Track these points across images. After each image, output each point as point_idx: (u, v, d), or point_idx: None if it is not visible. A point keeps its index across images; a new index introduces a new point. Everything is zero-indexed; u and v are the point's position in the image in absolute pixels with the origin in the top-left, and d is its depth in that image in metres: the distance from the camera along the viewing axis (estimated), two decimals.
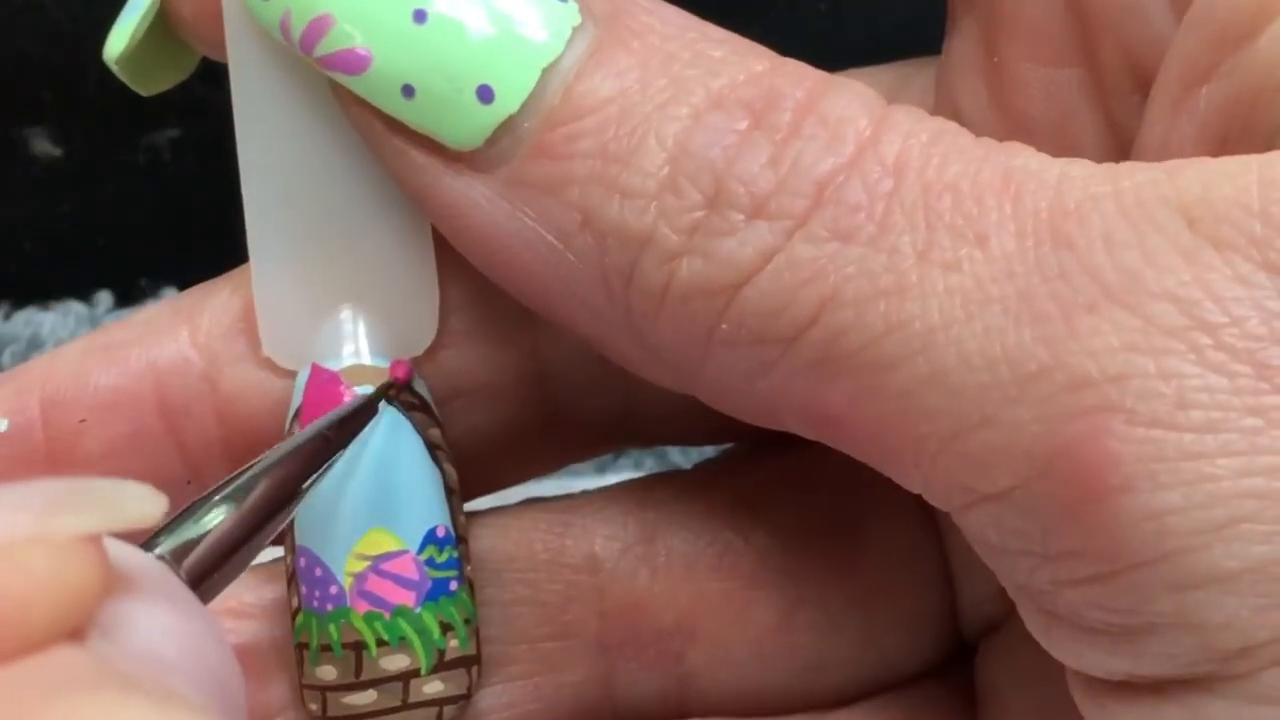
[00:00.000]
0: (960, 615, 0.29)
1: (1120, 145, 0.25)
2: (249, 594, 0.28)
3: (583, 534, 0.28)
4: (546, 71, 0.23)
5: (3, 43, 0.40)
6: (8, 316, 0.44)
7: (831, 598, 0.28)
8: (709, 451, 0.32)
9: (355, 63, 0.24)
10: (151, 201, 0.42)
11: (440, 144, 0.24)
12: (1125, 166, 0.22)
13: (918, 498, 0.23)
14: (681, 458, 0.41)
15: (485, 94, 0.23)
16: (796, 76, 0.23)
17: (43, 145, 0.41)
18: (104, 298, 0.45)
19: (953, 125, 0.23)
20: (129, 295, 0.45)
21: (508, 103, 0.23)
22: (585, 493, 0.29)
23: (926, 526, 0.29)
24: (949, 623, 0.29)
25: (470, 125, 0.23)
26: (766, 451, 0.28)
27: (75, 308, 0.45)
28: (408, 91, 0.24)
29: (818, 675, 0.28)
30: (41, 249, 0.43)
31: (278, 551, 0.28)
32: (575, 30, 0.23)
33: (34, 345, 0.44)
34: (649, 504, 0.28)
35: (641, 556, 0.28)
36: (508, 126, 0.23)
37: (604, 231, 0.23)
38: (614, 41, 0.23)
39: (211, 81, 0.39)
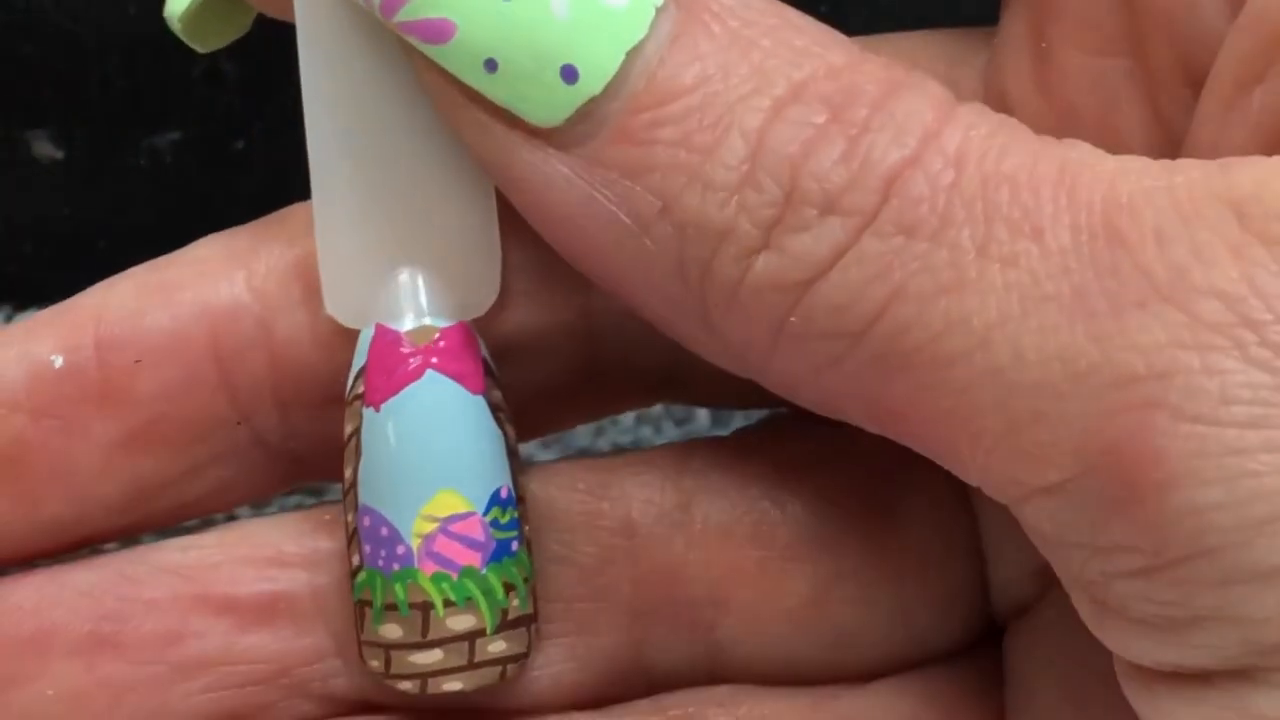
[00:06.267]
0: (991, 596, 0.29)
1: (1166, 139, 0.25)
2: (290, 543, 0.28)
3: (620, 497, 0.28)
4: (631, 54, 0.23)
5: (4, 44, 0.40)
6: (9, 319, 0.44)
7: (866, 571, 0.28)
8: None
9: (439, 32, 0.24)
10: (153, 204, 0.41)
11: (519, 119, 0.24)
12: (1181, 162, 0.22)
13: (952, 475, 0.24)
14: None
15: (569, 74, 0.23)
16: (873, 73, 0.23)
17: (44, 147, 0.41)
18: None
19: (1013, 121, 0.23)
20: None
21: (591, 84, 0.23)
22: (623, 451, 0.29)
23: (961, 505, 0.29)
24: (981, 602, 0.29)
25: (552, 104, 0.24)
26: (805, 421, 0.28)
27: None
28: (490, 65, 0.24)
29: (849, 649, 0.29)
30: (43, 251, 0.43)
31: (313, 499, 0.28)
32: (659, 11, 0.23)
33: None
34: (686, 470, 0.29)
35: (677, 523, 0.28)
36: (590, 108, 0.23)
37: (684, 221, 0.23)
38: (694, 24, 0.23)
39: (214, 84, 0.39)
